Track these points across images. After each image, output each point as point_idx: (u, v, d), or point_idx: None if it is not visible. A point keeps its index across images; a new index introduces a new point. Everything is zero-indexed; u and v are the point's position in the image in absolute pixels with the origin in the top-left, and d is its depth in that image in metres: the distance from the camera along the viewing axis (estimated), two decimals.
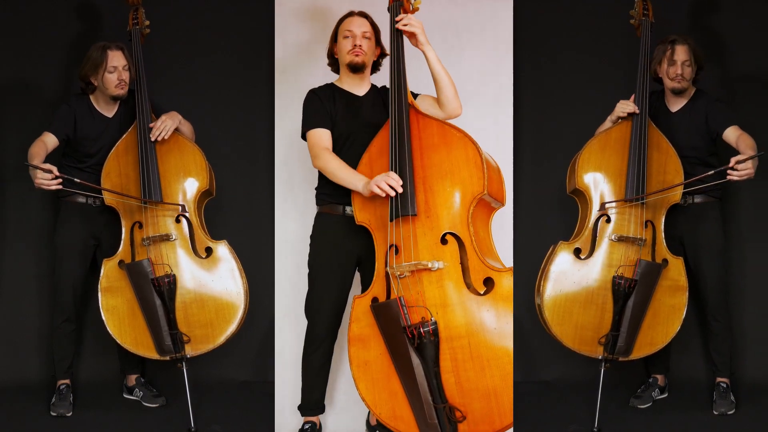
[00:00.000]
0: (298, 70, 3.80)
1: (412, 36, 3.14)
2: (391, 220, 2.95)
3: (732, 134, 3.40)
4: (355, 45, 3.21)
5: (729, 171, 3.17)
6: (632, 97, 3.45)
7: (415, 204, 2.93)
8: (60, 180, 3.17)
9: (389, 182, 2.91)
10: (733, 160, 3.17)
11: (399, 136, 3.00)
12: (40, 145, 3.35)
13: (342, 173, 3.10)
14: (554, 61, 4.04)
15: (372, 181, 2.96)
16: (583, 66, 4.02)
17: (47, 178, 3.15)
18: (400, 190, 2.92)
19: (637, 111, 3.39)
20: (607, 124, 3.51)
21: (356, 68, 3.23)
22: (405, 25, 3.11)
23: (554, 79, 4.04)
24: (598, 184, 3.40)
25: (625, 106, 3.41)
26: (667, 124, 3.48)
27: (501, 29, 3.81)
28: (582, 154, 3.42)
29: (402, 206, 2.94)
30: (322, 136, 3.19)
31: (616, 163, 3.39)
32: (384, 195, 2.93)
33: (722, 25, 3.96)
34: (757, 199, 3.96)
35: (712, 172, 3.24)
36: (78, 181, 3.25)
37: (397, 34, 3.14)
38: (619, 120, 3.44)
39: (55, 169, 3.16)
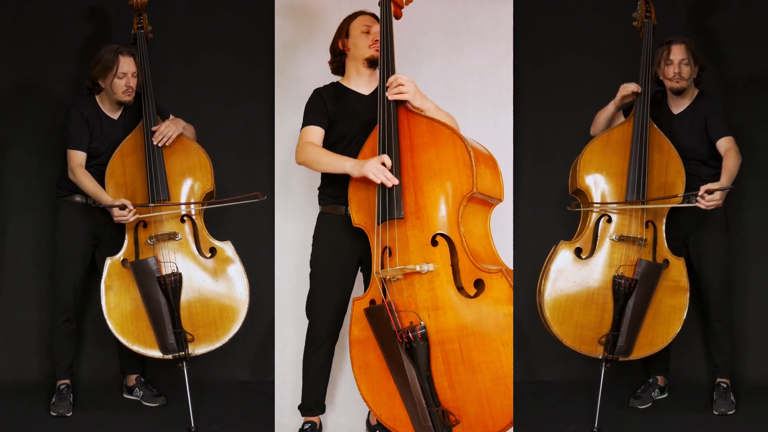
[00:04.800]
0: (298, 70, 3.80)
1: (407, 101, 3.01)
2: (379, 224, 2.94)
3: (723, 146, 3.40)
4: (375, 40, 3.20)
5: (698, 198, 3.20)
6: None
7: (402, 206, 2.91)
8: (136, 211, 3.28)
9: (385, 174, 2.90)
10: (702, 188, 3.19)
11: (387, 137, 2.98)
12: (88, 177, 3.37)
13: (325, 158, 3.08)
14: (554, 61, 4.03)
15: (365, 165, 2.94)
16: (583, 66, 4.02)
17: (124, 215, 3.26)
18: (391, 184, 2.90)
19: (639, 90, 3.37)
20: (610, 107, 3.49)
21: (375, 63, 3.21)
22: (398, 93, 2.98)
23: (554, 79, 4.03)
24: (599, 185, 3.40)
25: (629, 86, 3.39)
26: (669, 126, 3.47)
27: (501, 29, 3.80)
28: (583, 155, 3.42)
29: (389, 209, 2.92)
30: (312, 132, 3.17)
31: (617, 163, 3.39)
32: (379, 182, 2.92)
33: (721, 26, 3.95)
34: (761, 200, 3.95)
35: (678, 195, 3.27)
36: (153, 205, 3.32)
37: (387, 30, 3.11)
38: (623, 100, 3.42)
39: (129, 204, 3.27)
